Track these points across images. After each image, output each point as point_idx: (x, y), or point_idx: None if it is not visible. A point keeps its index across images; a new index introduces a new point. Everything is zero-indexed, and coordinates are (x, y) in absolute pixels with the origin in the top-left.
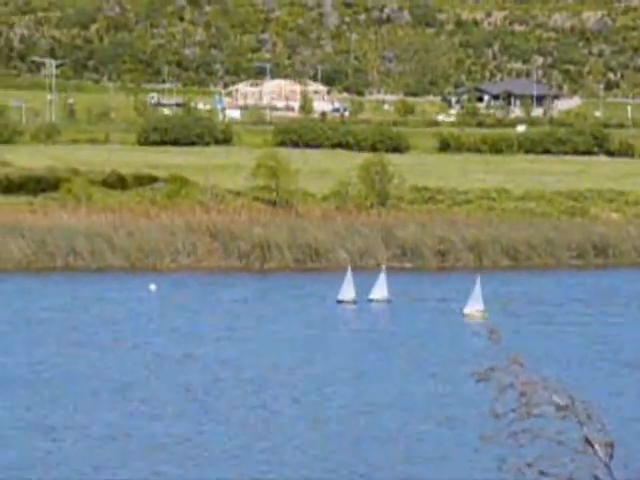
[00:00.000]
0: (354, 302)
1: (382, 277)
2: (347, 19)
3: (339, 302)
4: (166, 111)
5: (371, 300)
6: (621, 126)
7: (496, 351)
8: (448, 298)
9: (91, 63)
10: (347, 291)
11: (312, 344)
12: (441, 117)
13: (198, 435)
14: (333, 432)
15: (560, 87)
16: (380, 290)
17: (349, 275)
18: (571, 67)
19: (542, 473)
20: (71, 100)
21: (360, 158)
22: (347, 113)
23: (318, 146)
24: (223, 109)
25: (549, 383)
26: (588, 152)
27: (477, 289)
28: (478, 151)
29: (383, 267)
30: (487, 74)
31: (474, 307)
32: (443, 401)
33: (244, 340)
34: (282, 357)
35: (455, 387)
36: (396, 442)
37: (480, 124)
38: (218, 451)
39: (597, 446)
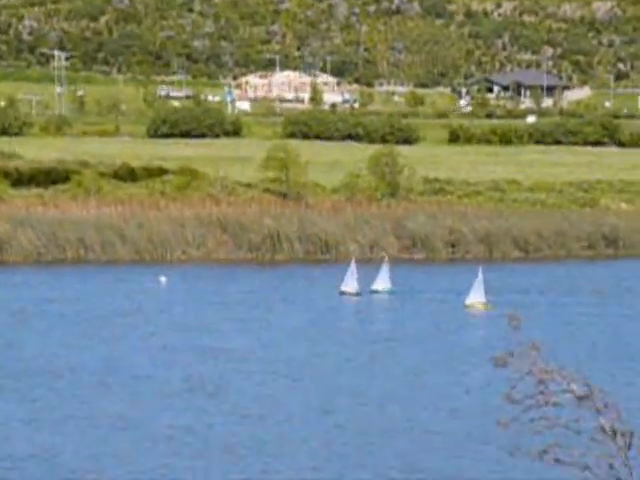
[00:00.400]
0: (357, 293)
1: (385, 268)
2: (357, 10)
3: (342, 293)
4: (176, 103)
5: (374, 291)
6: (631, 117)
7: (501, 341)
8: (453, 289)
9: (100, 55)
10: (350, 282)
11: (316, 336)
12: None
13: (206, 427)
14: (340, 423)
15: (570, 78)
16: (383, 281)
17: (352, 266)
18: (581, 58)
19: (557, 461)
20: (81, 92)
21: (370, 150)
22: (356, 104)
23: (328, 138)
24: (233, 101)
25: (566, 371)
26: (598, 143)
27: (479, 280)
28: (488, 142)
29: (385, 258)
30: (497, 65)
31: (476, 298)
32: (447, 392)
33: (252, 332)
34: (288, 349)
35: (457, 377)
36: (402, 433)
37: (490, 115)
38: (226, 443)
39: (618, 435)
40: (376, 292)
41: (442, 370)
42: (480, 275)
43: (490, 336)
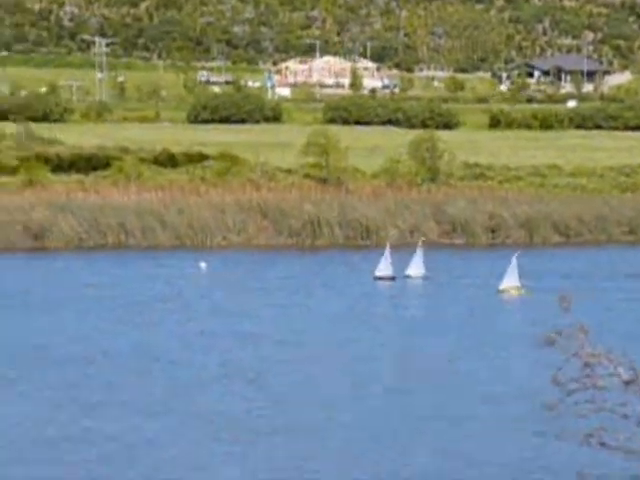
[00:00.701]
0: (392, 278)
1: (419, 253)
2: None
3: (376, 278)
4: (216, 89)
5: (408, 276)
6: None
7: (536, 326)
8: (490, 274)
9: (141, 41)
10: (385, 267)
11: (352, 321)
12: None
13: (244, 412)
14: (376, 409)
15: (610, 62)
16: (417, 266)
17: (387, 252)
18: (622, 42)
19: (603, 445)
20: (121, 78)
21: (410, 135)
22: (396, 90)
23: (368, 123)
24: (273, 86)
25: (614, 355)
26: (639, 127)
27: (513, 265)
28: (528, 127)
29: (419, 243)
30: (537, 50)
31: (509, 283)
32: (480, 377)
33: (290, 317)
34: (324, 334)
35: (490, 363)
36: (437, 418)
37: (530, 100)
38: (264, 428)
39: None
40: (410, 277)
41: (475, 355)
42: (514, 260)
43: (524, 321)
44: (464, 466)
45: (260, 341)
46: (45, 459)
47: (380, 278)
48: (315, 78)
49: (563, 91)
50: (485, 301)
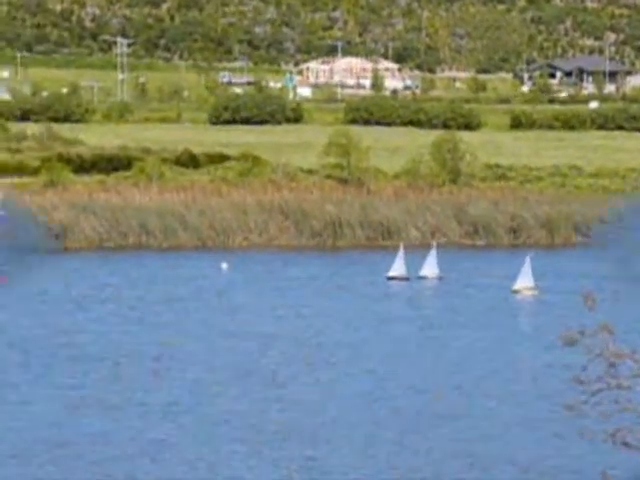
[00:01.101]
0: (405, 279)
1: (432, 254)
2: None
3: (389, 279)
4: (237, 90)
5: (422, 277)
6: None
7: (550, 326)
8: (505, 275)
9: (162, 42)
10: (398, 268)
11: (367, 321)
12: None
13: (260, 413)
14: (392, 409)
15: (632, 63)
16: (430, 267)
17: (401, 252)
18: None
19: (626, 444)
20: (142, 79)
21: (432, 135)
22: (418, 90)
23: (389, 124)
24: (294, 87)
25: (638, 355)
26: None
27: (527, 266)
28: (550, 128)
29: (433, 244)
30: (559, 50)
31: (523, 284)
32: (497, 378)
33: (307, 318)
34: (339, 335)
35: (503, 363)
36: (454, 418)
37: (552, 101)
38: (280, 429)
39: None
40: (424, 278)
41: (489, 356)
42: (528, 260)
43: (538, 321)
44: (482, 466)
45: (279, 341)
46: (63, 459)
47: (393, 278)
48: (336, 79)
49: (585, 92)
50: (499, 302)
